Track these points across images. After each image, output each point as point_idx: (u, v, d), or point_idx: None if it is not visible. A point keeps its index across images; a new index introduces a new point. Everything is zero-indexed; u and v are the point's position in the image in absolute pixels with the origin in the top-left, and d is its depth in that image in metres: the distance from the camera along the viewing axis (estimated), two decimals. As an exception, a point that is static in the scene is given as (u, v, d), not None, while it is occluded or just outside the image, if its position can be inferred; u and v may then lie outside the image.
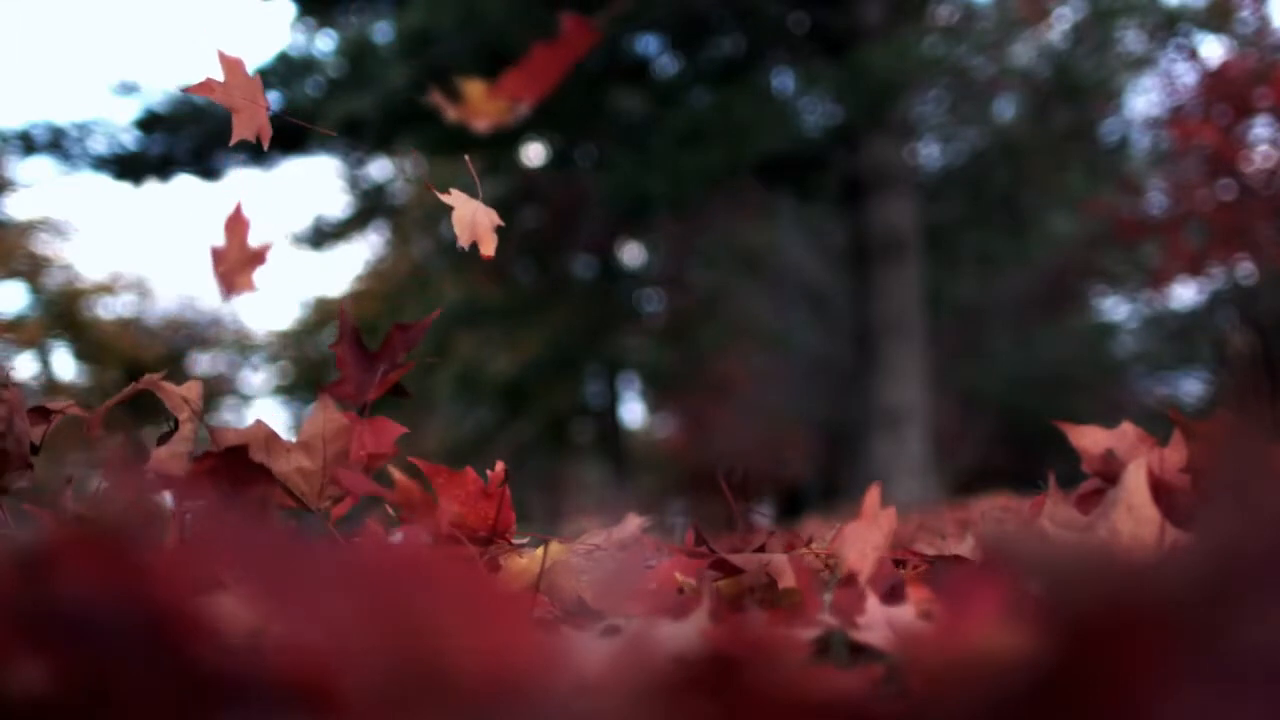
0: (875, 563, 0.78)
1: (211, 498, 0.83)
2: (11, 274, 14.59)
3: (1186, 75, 9.59)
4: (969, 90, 10.72)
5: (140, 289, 16.86)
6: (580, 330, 12.38)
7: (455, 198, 1.01)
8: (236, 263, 0.97)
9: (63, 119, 10.81)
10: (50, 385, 15.33)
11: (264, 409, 22.28)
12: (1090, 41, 10.10)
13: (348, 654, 0.31)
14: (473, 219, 1.00)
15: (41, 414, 0.91)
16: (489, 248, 1.01)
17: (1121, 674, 0.28)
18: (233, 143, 0.96)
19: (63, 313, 15.37)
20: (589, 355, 13.17)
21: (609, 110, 9.95)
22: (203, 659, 0.32)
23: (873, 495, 0.79)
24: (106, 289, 16.23)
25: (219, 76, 0.98)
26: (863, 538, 0.78)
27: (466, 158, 1.08)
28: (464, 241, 1.00)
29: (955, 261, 12.60)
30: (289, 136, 9.39)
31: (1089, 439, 0.95)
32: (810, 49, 9.69)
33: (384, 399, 0.96)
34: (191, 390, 0.91)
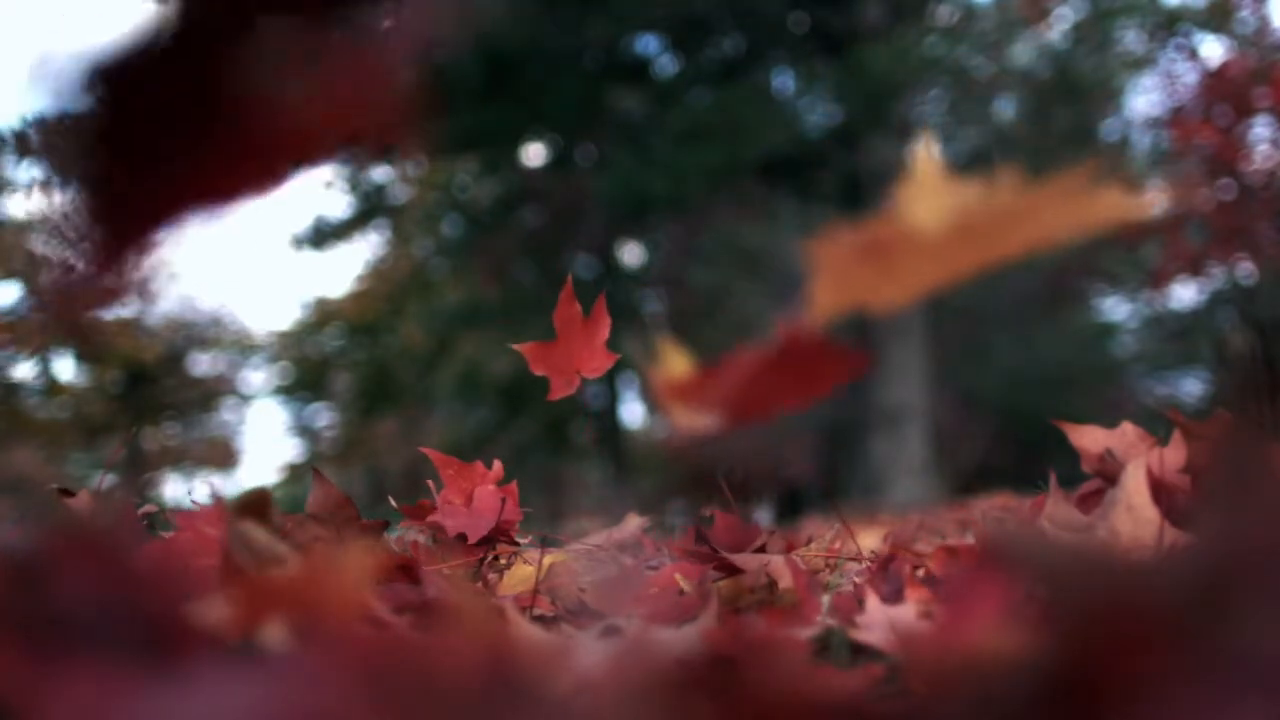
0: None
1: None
2: (11, 274, 14.58)
3: (1186, 75, 9.59)
4: (969, 90, 10.72)
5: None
6: (580, 330, 12.33)
7: None
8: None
9: (63, 119, 10.80)
10: (50, 385, 15.33)
11: (264, 409, 22.33)
12: (1090, 41, 10.11)
13: None
14: None
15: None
16: None
17: (1121, 674, 0.28)
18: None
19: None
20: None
21: (609, 110, 9.95)
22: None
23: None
24: (107, 289, 16.18)
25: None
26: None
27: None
28: None
29: (955, 261, 12.55)
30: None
31: (1089, 439, 0.95)
32: (810, 49, 9.69)
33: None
34: None
